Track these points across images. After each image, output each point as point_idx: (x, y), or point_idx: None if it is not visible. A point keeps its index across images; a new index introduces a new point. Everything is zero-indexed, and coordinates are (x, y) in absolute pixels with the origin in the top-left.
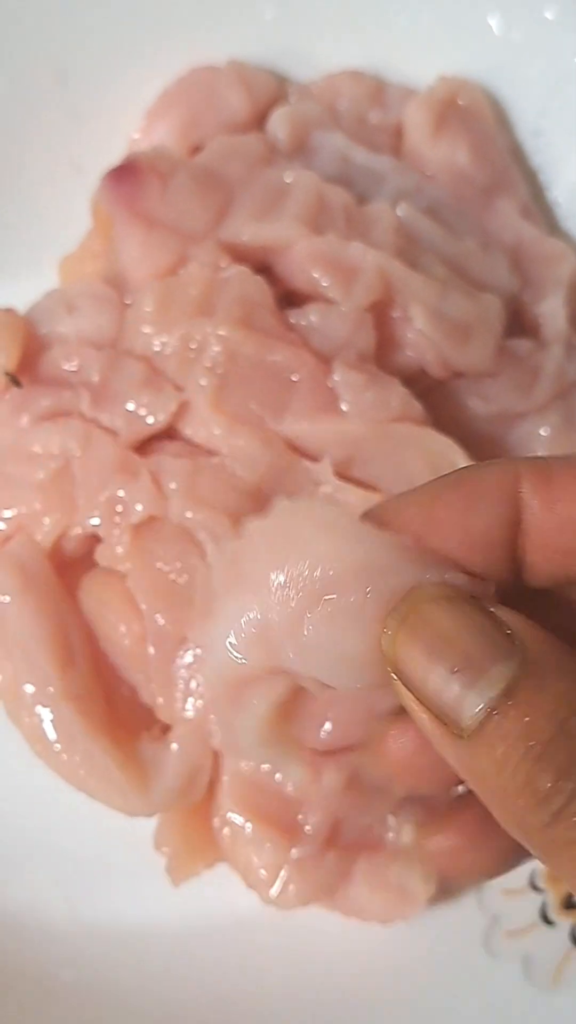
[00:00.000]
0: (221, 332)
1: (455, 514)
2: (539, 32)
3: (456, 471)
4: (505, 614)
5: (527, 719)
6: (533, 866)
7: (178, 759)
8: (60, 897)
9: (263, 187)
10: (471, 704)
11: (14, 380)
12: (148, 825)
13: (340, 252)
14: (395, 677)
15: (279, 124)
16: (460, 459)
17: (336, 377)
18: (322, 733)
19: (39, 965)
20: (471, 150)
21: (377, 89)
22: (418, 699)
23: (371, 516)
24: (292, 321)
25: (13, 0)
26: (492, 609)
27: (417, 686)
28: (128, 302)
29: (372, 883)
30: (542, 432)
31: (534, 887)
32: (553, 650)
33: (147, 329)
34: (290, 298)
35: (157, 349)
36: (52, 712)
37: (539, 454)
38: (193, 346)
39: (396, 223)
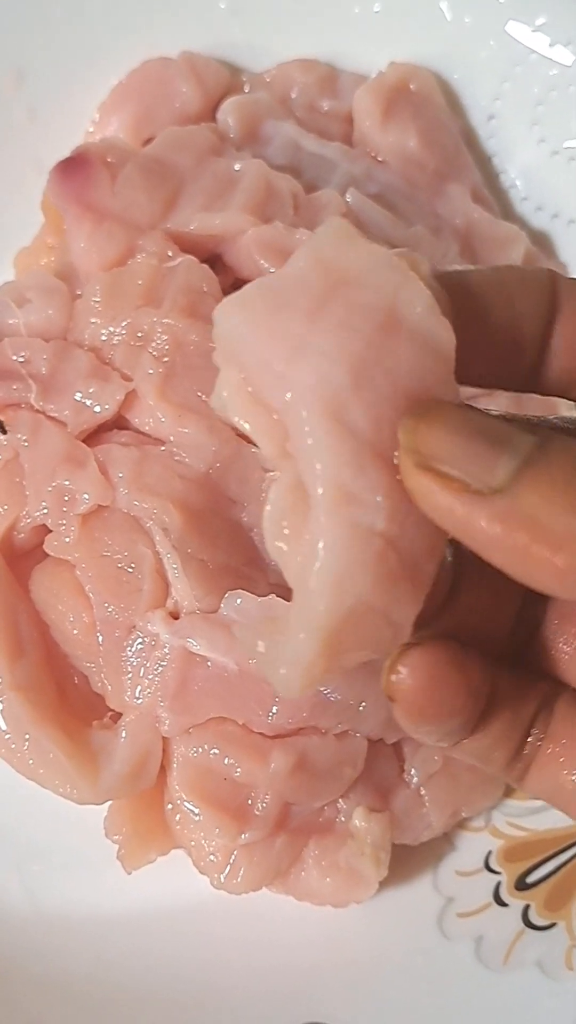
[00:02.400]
0: (167, 321)
1: (497, 297)
2: (491, 15)
3: (497, 268)
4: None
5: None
6: (490, 847)
7: (127, 746)
8: (19, 886)
9: (212, 177)
10: (505, 460)
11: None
12: (106, 813)
13: (287, 239)
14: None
15: (229, 114)
16: None
17: None
18: (270, 716)
19: None
20: (421, 135)
21: (329, 77)
22: (437, 478)
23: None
24: None
25: None
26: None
27: (442, 456)
28: (79, 293)
29: (323, 866)
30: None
31: (489, 868)
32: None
33: (95, 320)
34: (239, 287)
35: (104, 339)
36: (2, 703)
37: None
38: (140, 335)
39: (343, 209)
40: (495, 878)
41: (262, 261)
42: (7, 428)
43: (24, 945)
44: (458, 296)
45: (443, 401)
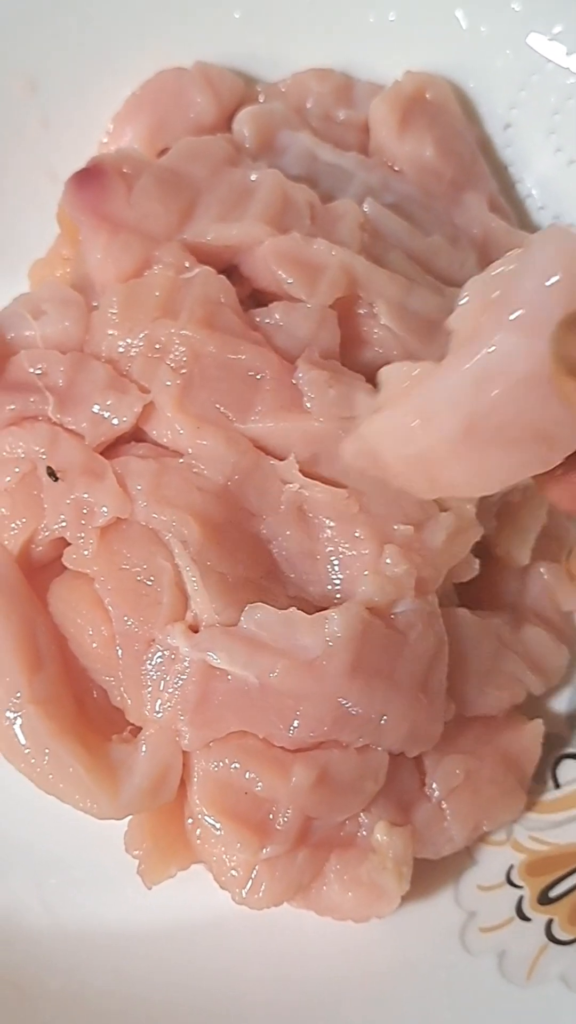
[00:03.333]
0: (185, 332)
1: None
2: (507, 24)
3: None
4: None
5: None
6: (511, 861)
7: (147, 761)
8: (38, 901)
9: (228, 187)
10: None
11: (51, 473)
12: (126, 827)
13: (304, 249)
14: None
15: (245, 124)
16: None
17: (300, 375)
18: (291, 730)
19: (18, 969)
20: (438, 144)
21: (345, 86)
22: None
23: None
24: (256, 320)
25: None
26: None
27: None
28: (95, 305)
29: (344, 881)
30: None
31: (511, 883)
32: None
33: (112, 331)
34: (256, 297)
35: (122, 351)
36: (21, 717)
37: None
38: (157, 347)
39: (361, 219)
40: (517, 892)
41: (280, 272)
42: (58, 475)
43: (43, 959)
44: None
45: None
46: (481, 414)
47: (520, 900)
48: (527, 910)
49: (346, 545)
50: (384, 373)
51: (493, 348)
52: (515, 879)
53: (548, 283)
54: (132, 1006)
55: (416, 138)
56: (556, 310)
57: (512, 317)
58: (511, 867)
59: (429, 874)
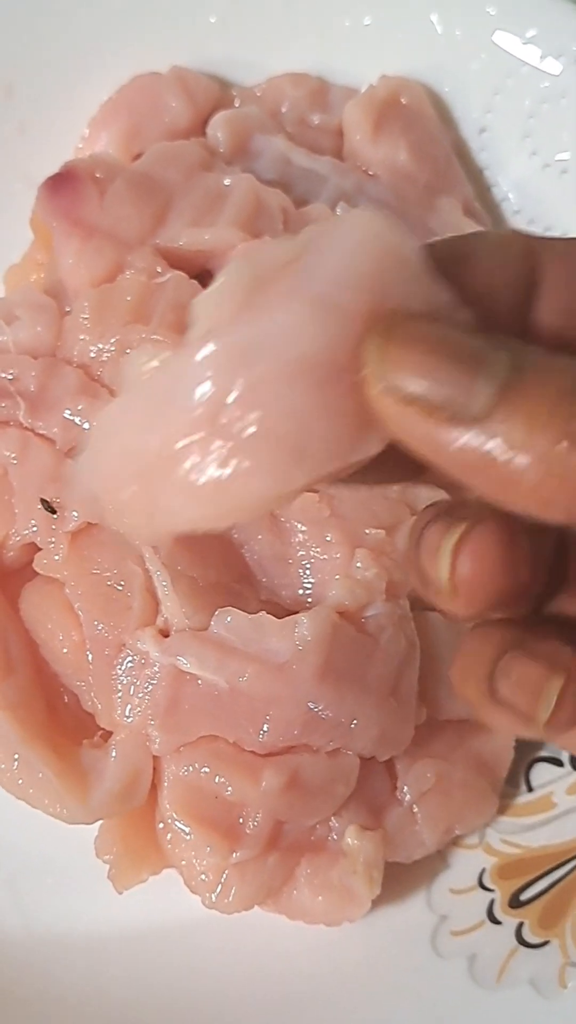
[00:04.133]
0: (156, 337)
1: (468, 267)
2: (482, 28)
3: (465, 236)
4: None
5: (548, 376)
6: (484, 865)
7: (117, 765)
8: (11, 904)
9: (201, 192)
10: (482, 384)
11: (48, 507)
12: (97, 832)
13: None
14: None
15: (219, 128)
16: None
17: None
18: (261, 734)
19: None
20: (412, 149)
21: (320, 91)
22: (415, 407)
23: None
24: None
25: None
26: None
27: (413, 390)
28: (68, 310)
29: (315, 885)
30: None
31: (483, 886)
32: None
33: (83, 336)
34: None
35: (94, 356)
36: None
37: None
38: (127, 351)
39: None
40: (489, 896)
41: None
42: (56, 508)
43: (17, 963)
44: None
45: (410, 315)
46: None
47: (491, 903)
48: (498, 913)
49: (317, 549)
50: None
51: (272, 319)
52: (487, 882)
53: (355, 269)
54: (108, 1009)
55: (390, 142)
56: (361, 298)
57: (309, 291)
58: (483, 870)
59: (402, 877)
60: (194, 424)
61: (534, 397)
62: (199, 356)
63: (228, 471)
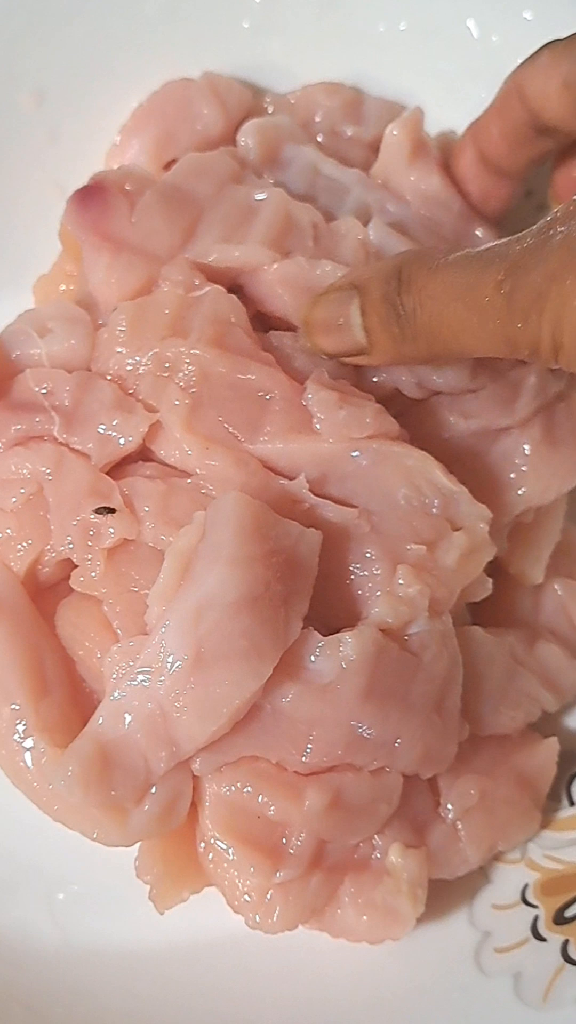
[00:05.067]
0: (195, 352)
1: (492, 125)
2: (519, 33)
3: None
4: (339, 280)
5: (374, 311)
6: (526, 880)
7: (157, 786)
8: (50, 920)
9: (231, 206)
10: (357, 333)
11: (107, 510)
12: (137, 851)
13: (310, 274)
14: None
15: (250, 136)
16: (437, 473)
17: (309, 396)
18: (304, 755)
19: (29, 990)
20: (445, 175)
21: (354, 102)
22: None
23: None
24: (266, 341)
25: None
26: (332, 284)
27: (337, 351)
28: (101, 322)
29: (359, 904)
30: (525, 448)
31: (526, 902)
32: (368, 270)
33: (120, 349)
34: (261, 319)
35: (130, 369)
36: (26, 744)
37: (523, 470)
38: (166, 366)
39: (364, 238)
40: (532, 912)
41: (286, 297)
42: (115, 508)
43: (55, 979)
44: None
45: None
46: (204, 638)
47: (535, 920)
48: (543, 930)
49: (357, 565)
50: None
51: (206, 585)
52: (530, 898)
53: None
54: None
55: (424, 168)
56: (254, 545)
57: (220, 556)
58: (526, 886)
59: (443, 893)
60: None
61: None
62: (163, 631)
63: (218, 689)
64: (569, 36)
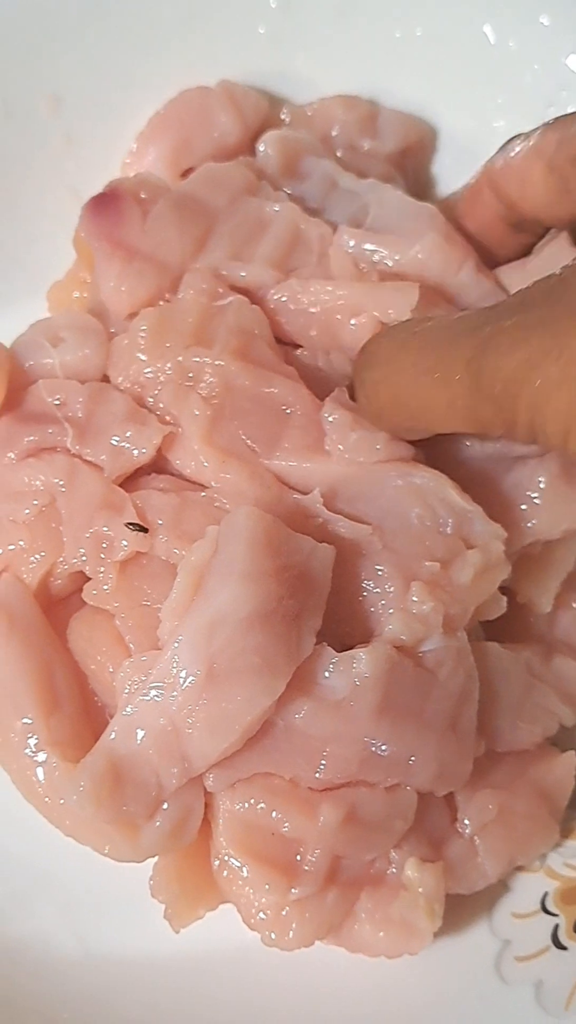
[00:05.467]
0: (219, 363)
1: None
2: (536, 39)
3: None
4: None
5: None
6: (546, 889)
7: (168, 803)
8: (68, 931)
9: (243, 218)
10: None
11: (139, 527)
12: (152, 866)
13: (303, 296)
14: None
15: (270, 146)
16: (451, 492)
17: (327, 415)
18: (318, 772)
19: (49, 1000)
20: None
21: (370, 115)
22: None
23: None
24: (287, 353)
25: (4, 23)
26: None
27: None
28: (113, 331)
29: (376, 920)
30: (540, 481)
31: (546, 910)
32: None
33: (141, 355)
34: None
35: (150, 377)
36: (38, 758)
37: (536, 502)
38: (189, 376)
39: (355, 250)
40: (553, 920)
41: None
42: (147, 527)
43: (74, 989)
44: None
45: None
46: (217, 654)
47: (556, 928)
48: (563, 938)
49: (370, 582)
50: None
51: (218, 600)
52: (550, 907)
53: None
54: None
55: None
56: (266, 561)
57: (233, 571)
58: (545, 894)
59: (463, 901)
60: (194, 690)
61: None
62: (176, 647)
63: (230, 705)
64: (544, 124)
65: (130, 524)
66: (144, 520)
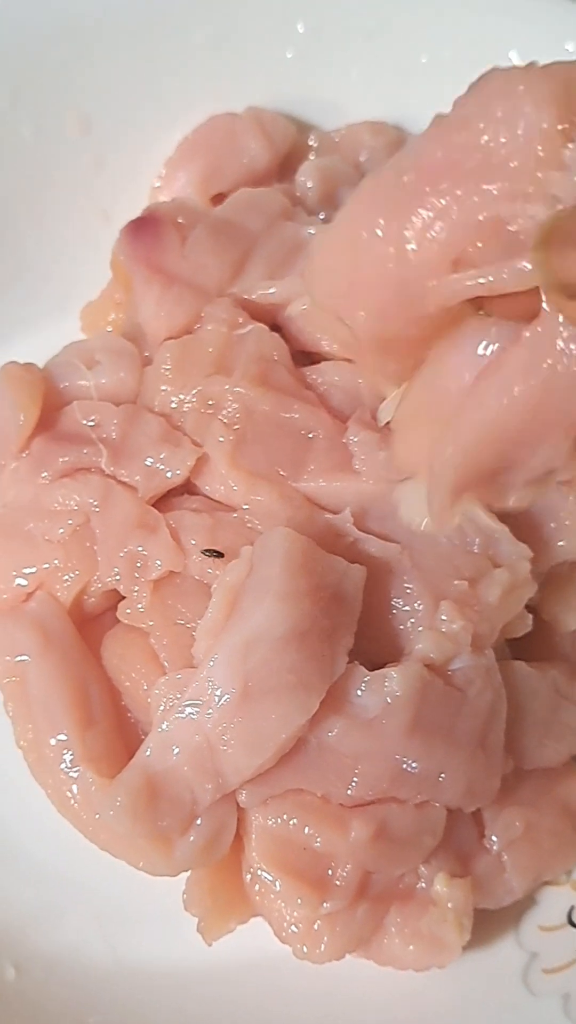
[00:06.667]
0: (238, 390)
1: None
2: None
3: None
4: None
5: None
6: (572, 903)
7: (201, 818)
8: (102, 941)
9: (280, 242)
10: None
11: (215, 553)
12: (185, 880)
13: None
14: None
15: (309, 176)
16: (479, 511)
17: (351, 436)
18: (349, 788)
19: (85, 1008)
20: None
21: (397, 141)
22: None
23: None
24: (308, 378)
25: (36, 48)
26: None
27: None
28: (147, 354)
29: (405, 934)
30: (569, 502)
31: (572, 924)
32: None
33: (164, 387)
34: (304, 355)
35: (174, 406)
36: (73, 773)
37: (566, 523)
38: (210, 403)
39: None
40: None
41: (317, 335)
42: (223, 552)
43: (107, 998)
44: None
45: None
46: (252, 672)
47: None
48: None
49: (399, 600)
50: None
51: (254, 619)
52: None
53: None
54: None
55: None
56: (301, 579)
57: (270, 591)
58: (572, 908)
59: (490, 914)
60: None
61: None
62: (212, 665)
63: (265, 723)
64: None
65: (206, 551)
66: (177, 540)
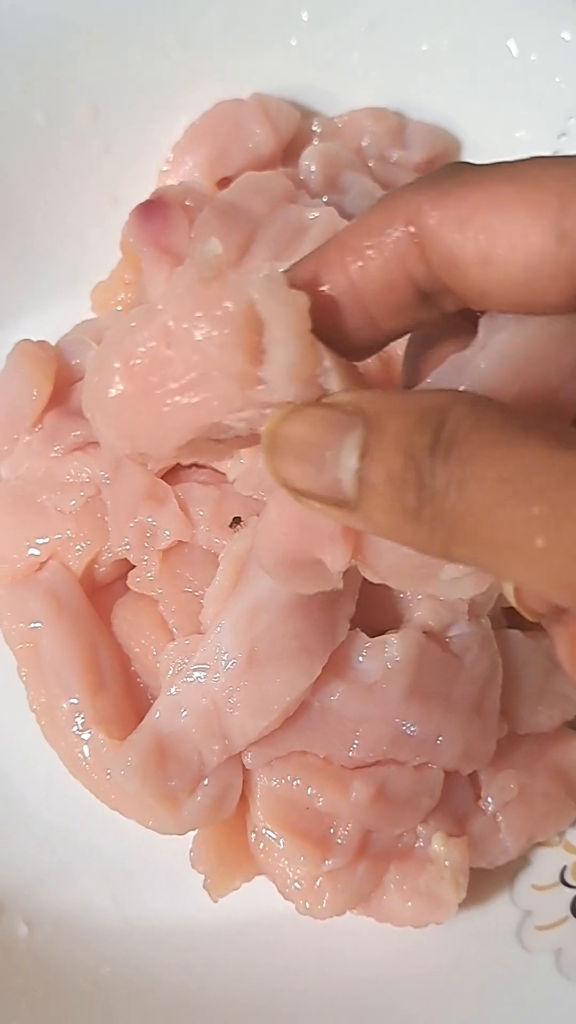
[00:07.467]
0: None
1: (361, 269)
2: (557, 52)
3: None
4: (342, 396)
5: (384, 463)
6: (564, 862)
7: (209, 778)
8: (110, 900)
9: (283, 224)
10: (346, 480)
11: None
12: (192, 840)
13: None
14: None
15: (312, 160)
16: None
17: None
18: (351, 751)
19: (93, 965)
20: None
21: (398, 127)
22: (316, 501)
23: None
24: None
25: (47, 36)
26: (329, 399)
27: (307, 491)
28: None
29: (404, 891)
30: None
31: (565, 883)
32: (388, 400)
33: None
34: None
35: None
36: (84, 736)
37: None
38: None
39: None
40: (571, 892)
41: None
42: (244, 522)
43: (116, 955)
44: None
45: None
46: (258, 638)
47: (574, 900)
48: None
49: None
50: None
51: (259, 588)
52: (568, 879)
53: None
54: (200, 1000)
55: None
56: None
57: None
58: (564, 868)
59: (485, 873)
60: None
61: (381, 484)
62: (219, 631)
63: (270, 687)
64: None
65: (235, 519)
66: (186, 511)
